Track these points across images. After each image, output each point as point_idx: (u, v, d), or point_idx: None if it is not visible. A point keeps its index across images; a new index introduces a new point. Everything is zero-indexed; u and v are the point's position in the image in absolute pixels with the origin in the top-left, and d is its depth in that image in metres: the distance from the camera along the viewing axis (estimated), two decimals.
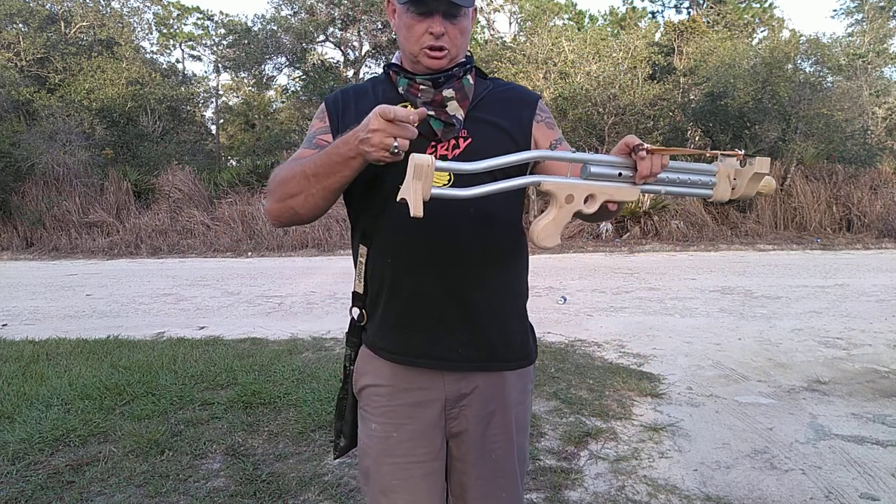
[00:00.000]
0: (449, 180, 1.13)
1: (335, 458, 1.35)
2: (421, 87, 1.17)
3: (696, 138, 14.49)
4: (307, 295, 6.79)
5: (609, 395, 3.40)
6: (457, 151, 1.16)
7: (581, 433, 2.88)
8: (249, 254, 11.28)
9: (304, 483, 2.44)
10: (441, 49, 1.13)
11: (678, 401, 3.36)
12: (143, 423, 3.02)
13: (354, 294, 1.23)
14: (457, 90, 1.17)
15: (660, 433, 2.92)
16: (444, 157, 1.15)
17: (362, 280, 1.20)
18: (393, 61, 1.25)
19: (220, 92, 21.53)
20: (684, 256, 9.89)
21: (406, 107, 1.15)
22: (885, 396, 3.36)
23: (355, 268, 1.23)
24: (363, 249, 1.20)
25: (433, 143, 1.16)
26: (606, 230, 11.29)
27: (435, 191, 0.90)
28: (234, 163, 18.42)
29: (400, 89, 1.19)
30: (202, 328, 5.31)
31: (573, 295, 6.42)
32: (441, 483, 1.22)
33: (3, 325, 5.61)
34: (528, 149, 1.20)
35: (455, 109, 1.16)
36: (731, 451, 2.72)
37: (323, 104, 1.25)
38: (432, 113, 1.15)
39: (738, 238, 11.16)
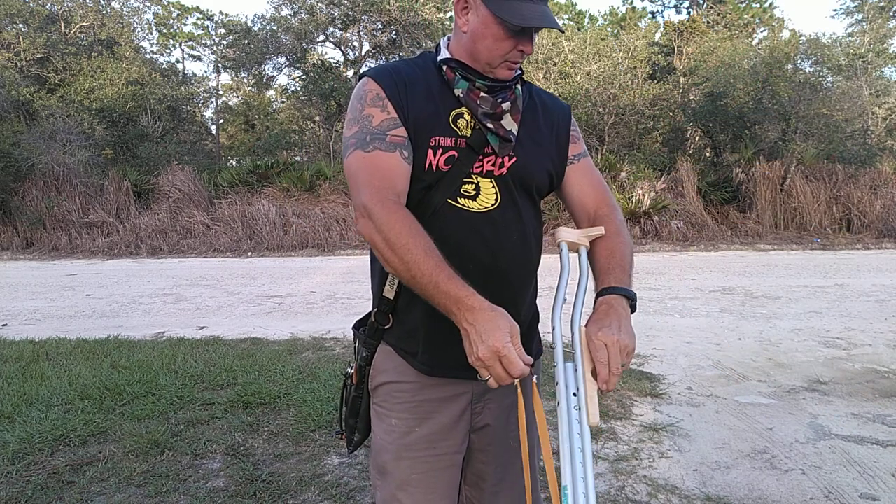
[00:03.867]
0: (496, 200, 1.15)
1: (350, 452, 1.38)
2: (481, 94, 1.14)
3: (696, 138, 14.49)
4: (307, 295, 6.79)
5: (609, 395, 3.40)
6: (503, 170, 1.16)
7: None
8: (249, 254, 11.28)
9: (304, 483, 2.44)
10: (517, 62, 1.13)
11: (678, 401, 3.36)
12: (143, 423, 3.03)
13: (382, 298, 1.19)
14: (512, 103, 1.16)
15: (660, 433, 2.92)
16: (489, 174, 1.15)
17: (394, 287, 1.17)
18: (444, 55, 1.17)
19: (220, 92, 21.57)
20: (684, 256, 9.89)
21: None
22: (885, 396, 3.36)
23: (383, 273, 1.17)
24: None
25: (480, 157, 1.14)
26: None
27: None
28: (234, 163, 18.47)
29: (458, 92, 1.14)
30: (202, 328, 5.31)
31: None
32: (459, 475, 1.23)
33: (3, 325, 5.61)
34: (563, 165, 1.26)
35: (510, 124, 1.15)
36: (731, 451, 2.71)
37: (375, 85, 1.13)
38: (491, 126, 1.13)
39: (738, 238, 11.15)
